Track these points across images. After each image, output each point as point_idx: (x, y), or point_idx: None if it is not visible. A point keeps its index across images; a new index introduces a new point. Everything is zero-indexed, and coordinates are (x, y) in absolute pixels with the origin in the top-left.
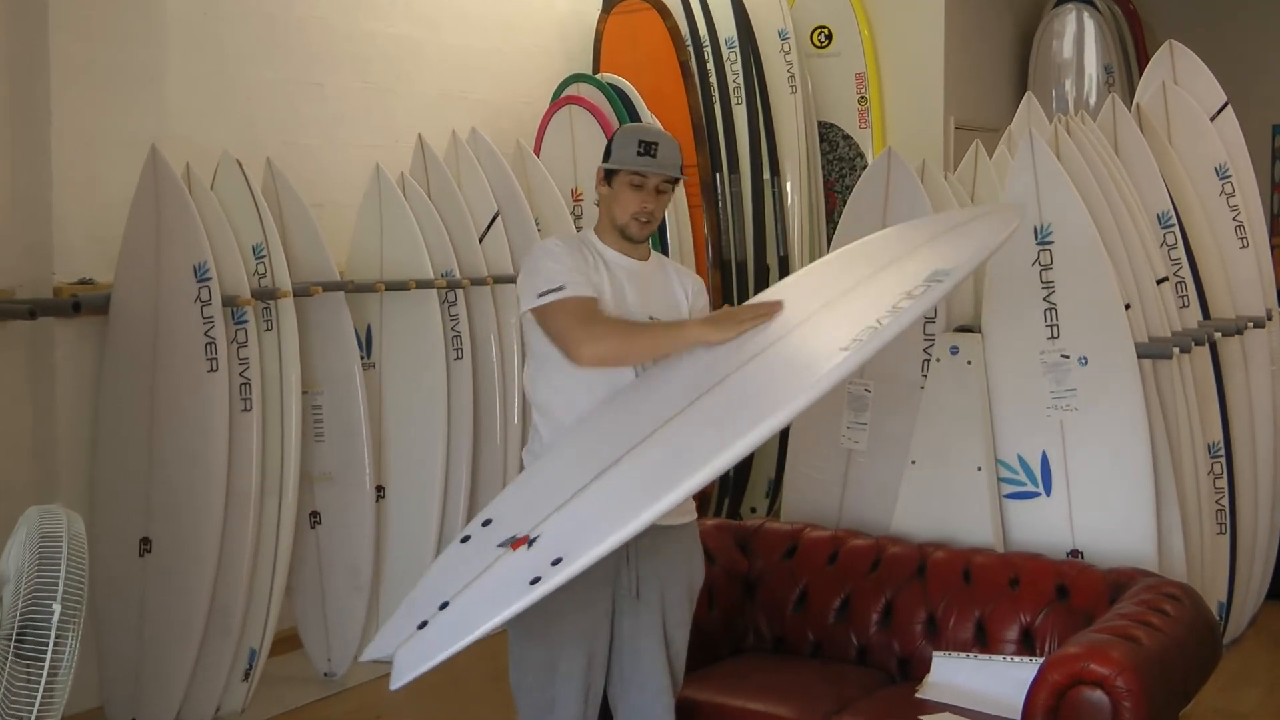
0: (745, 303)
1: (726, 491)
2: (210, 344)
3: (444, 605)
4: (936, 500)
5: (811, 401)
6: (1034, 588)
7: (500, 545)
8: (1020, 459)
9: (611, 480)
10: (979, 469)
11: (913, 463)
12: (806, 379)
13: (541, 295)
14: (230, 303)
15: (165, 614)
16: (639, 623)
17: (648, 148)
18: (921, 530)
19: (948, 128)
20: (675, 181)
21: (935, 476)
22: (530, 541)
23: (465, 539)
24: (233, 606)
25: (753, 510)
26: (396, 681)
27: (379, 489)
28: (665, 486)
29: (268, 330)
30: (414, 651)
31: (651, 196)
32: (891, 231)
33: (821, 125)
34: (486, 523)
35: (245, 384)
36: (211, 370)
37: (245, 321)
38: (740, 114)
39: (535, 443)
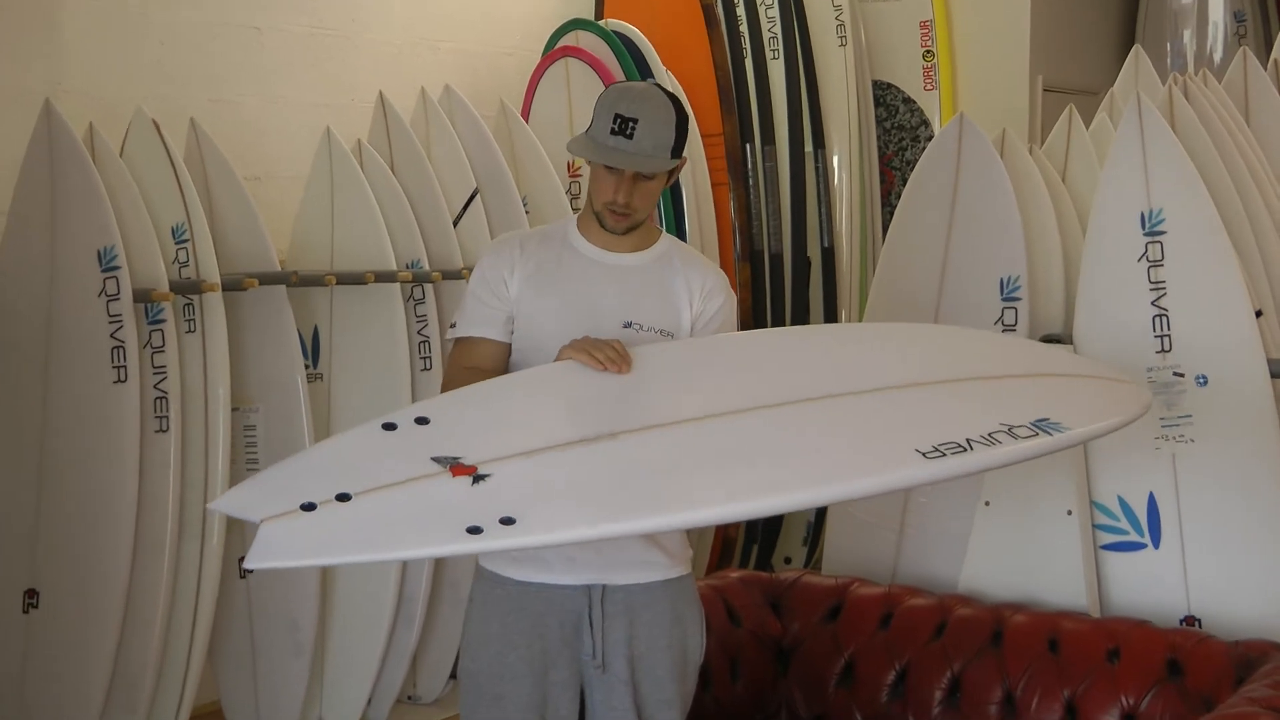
0: (592, 340)
1: (755, 536)
2: (118, 348)
3: (344, 497)
4: (1016, 551)
5: (865, 494)
6: (1139, 662)
7: (436, 460)
8: (1121, 501)
9: (601, 456)
10: (1069, 513)
11: (986, 504)
12: (870, 463)
13: (451, 326)
14: (143, 297)
15: (54, 685)
16: (610, 699)
17: (624, 125)
18: (997, 588)
19: (1034, 90)
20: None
21: (1014, 522)
22: (477, 476)
23: (389, 426)
24: (140, 676)
25: (787, 561)
26: (256, 561)
27: None
28: (667, 502)
29: (190, 332)
30: (289, 536)
31: (627, 186)
32: (982, 336)
33: (877, 86)
34: (421, 420)
35: (161, 398)
36: (119, 381)
37: (162, 321)
38: (777, 71)
39: None
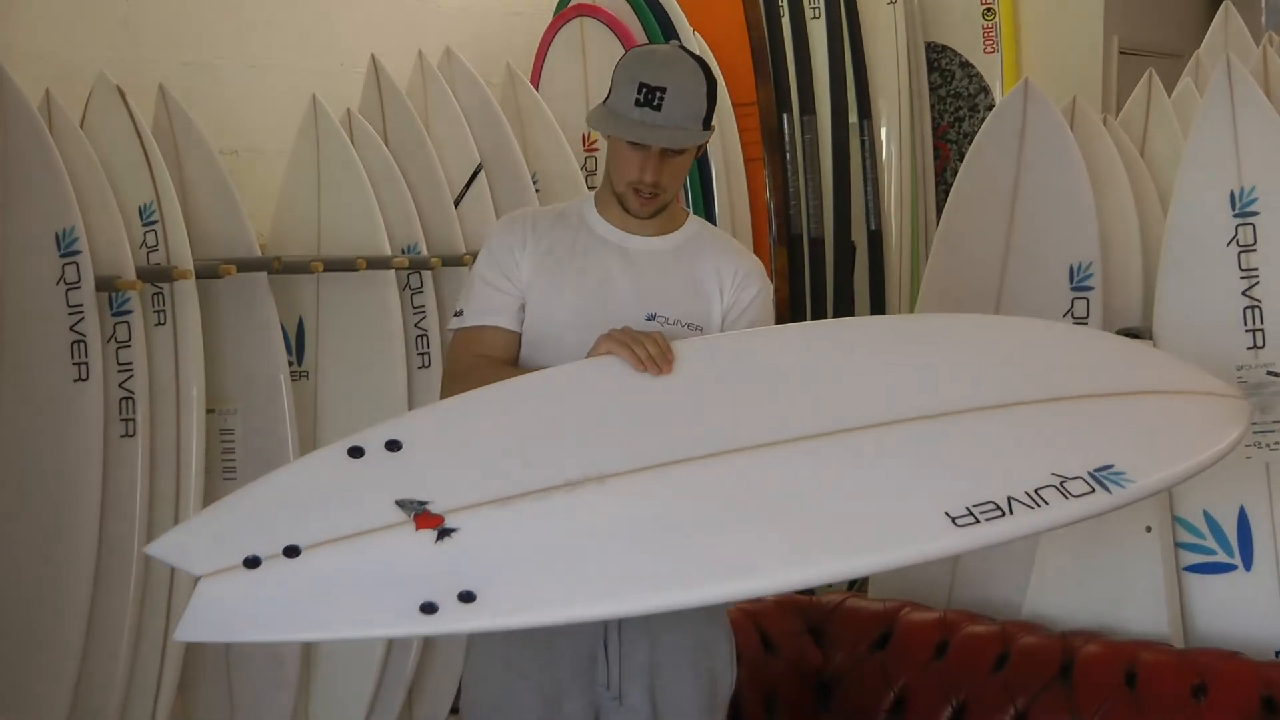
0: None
1: None
2: (78, 343)
3: (292, 551)
4: (1088, 572)
5: (881, 569)
6: (1228, 700)
7: (401, 505)
8: (1208, 517)
9: (590, 505)
10: (1148, 530)
11: None
12: (885, 531)
13: (455, 314)
14: (107, 286)
15: (6, 718)
16: None
17: (650, 95)
18: (1066, 614)
19: (1109, 52)
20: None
21: (1086, 540)
22: (442, 531)
23: (356, 451)
24: (103, 711)
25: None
26: (188, 632)
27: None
28: (675, 577)
29: (159, 324)
30: (227, 601)
31: (654, 162)
32: (1052, 332)
33: (931, 48)
34: (393, 445)
35: (127, 399)
36: (80, 379)
37: (128, 312)
38: (818, 31)
39: None
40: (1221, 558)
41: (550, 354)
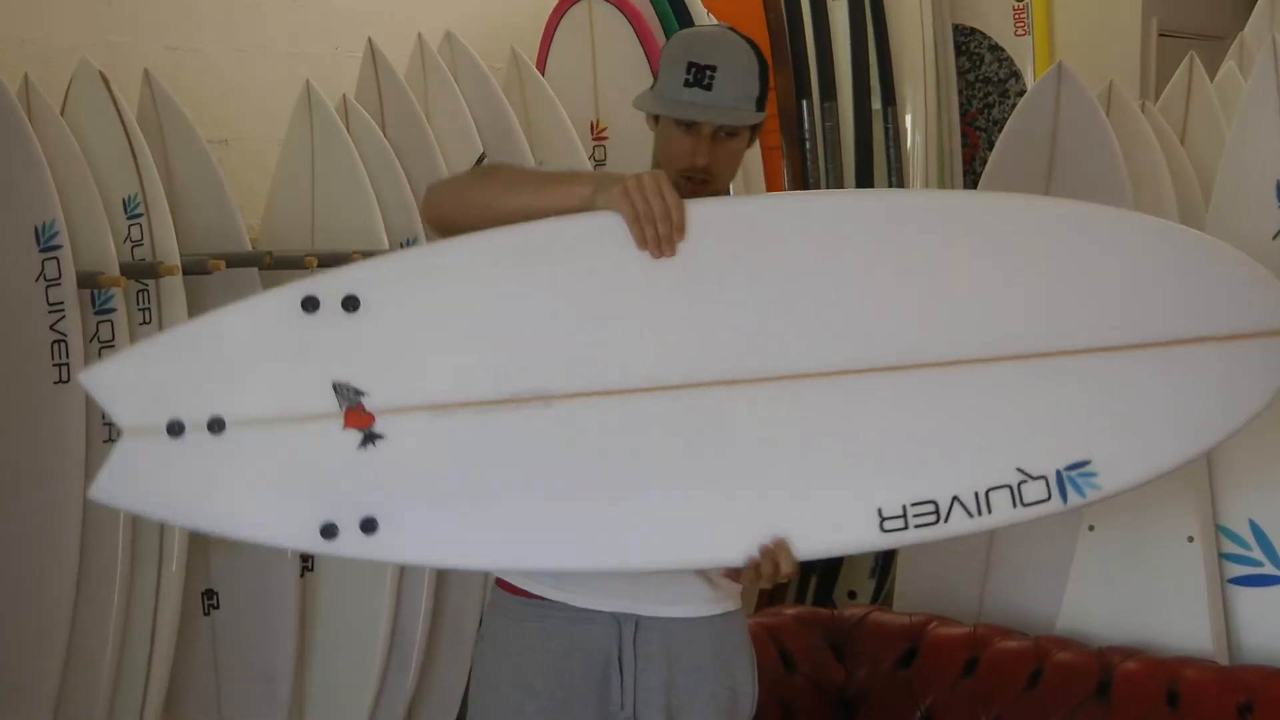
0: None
1: (813, 567)
2: (59, 342)
3: (217, 424)
4: (1126, 585)
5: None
6: (1277, 718)
7: (336, 390)
8: (1254, 526)
9: (529, 431)
10: (1190, 539)
11: (1090, 529)
12: (808, 517)
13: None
14: (90, 282)
15: None
16: None
17: (699, 75)
18: (1103, 629)
19: (1147, 34)
20: (753, 126)
21: (1124, 549)
22: (368, 435)
23: (310, 303)
24: None
25: (852, 595)
26: (102, 491)
27: (304, 558)
28: (599, 538)
29: (145, 323)
30: (143, 467)
31: (706, 145)
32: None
33: (959, 31)
34: (351, 303)
35: None
36: (60, 381)
37: (112, 310)
38: (839, 14)
39: None
40: (1269, 569)
41: None
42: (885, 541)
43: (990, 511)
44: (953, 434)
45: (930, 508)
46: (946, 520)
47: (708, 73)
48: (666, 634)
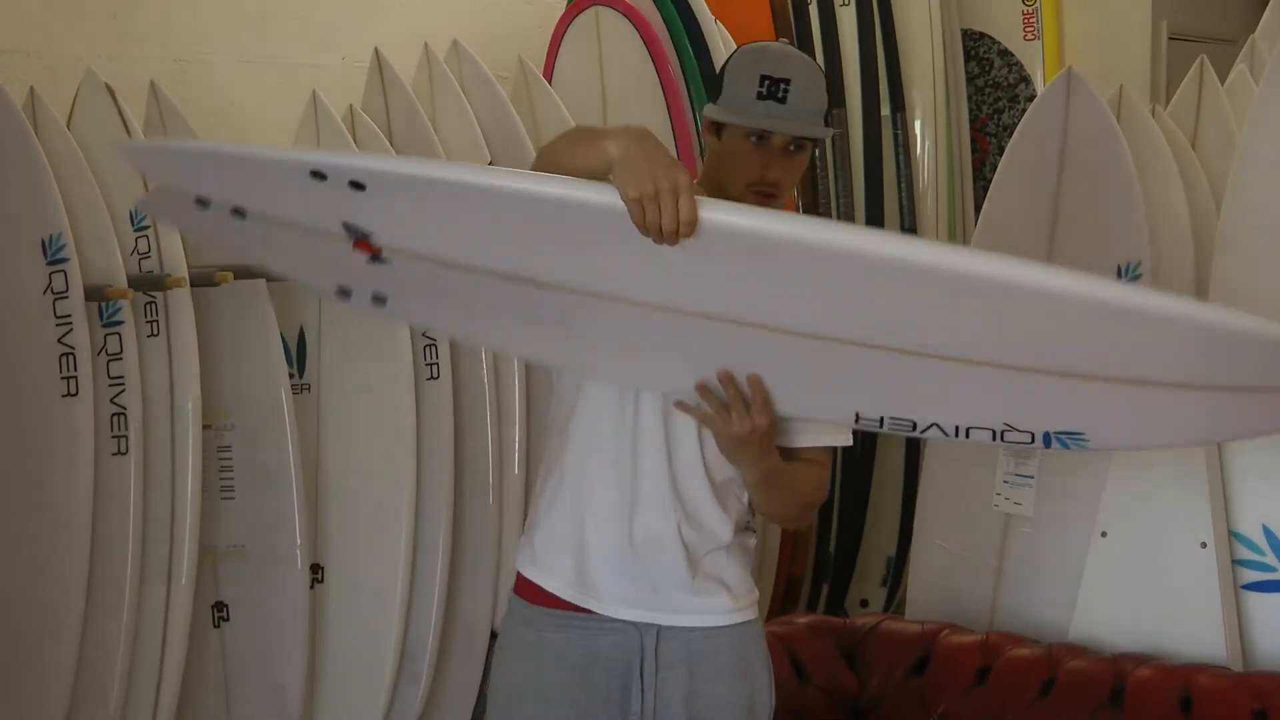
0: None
1: (825, 575)
2: (67, 355)
3: (239, 211)
4: (1139, 592)
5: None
6: None
7: (346, 226)
8: (1267, 531)
9: (518, 296)
10: (1203, 545)
11: (1103, 535)
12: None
13: None
14: (97, 295)
15: None
16: None
17: (774, 87)
18: (1116, 636)
19: (1158, 38)
20: (816, 140)
21: (1137, 556)
22: (375, 257)
23: (319, 175)
24: None
25: (864, 604)
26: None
27: (315, 569)
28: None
29: (153, 335)
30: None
31: (778, 160)
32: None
33: (968, 36)
34: (357, 185)
35: (119, 415)
36: (69, 394)
37: (120, 322)
38: (847, 20)
39: (558, 492)
40: None
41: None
42: (852, 429)
43: (968, 437)
44: (946, 400)
45: (908, 424)
46: (922, 433)
47: (782, 85)
48: (687, 643)
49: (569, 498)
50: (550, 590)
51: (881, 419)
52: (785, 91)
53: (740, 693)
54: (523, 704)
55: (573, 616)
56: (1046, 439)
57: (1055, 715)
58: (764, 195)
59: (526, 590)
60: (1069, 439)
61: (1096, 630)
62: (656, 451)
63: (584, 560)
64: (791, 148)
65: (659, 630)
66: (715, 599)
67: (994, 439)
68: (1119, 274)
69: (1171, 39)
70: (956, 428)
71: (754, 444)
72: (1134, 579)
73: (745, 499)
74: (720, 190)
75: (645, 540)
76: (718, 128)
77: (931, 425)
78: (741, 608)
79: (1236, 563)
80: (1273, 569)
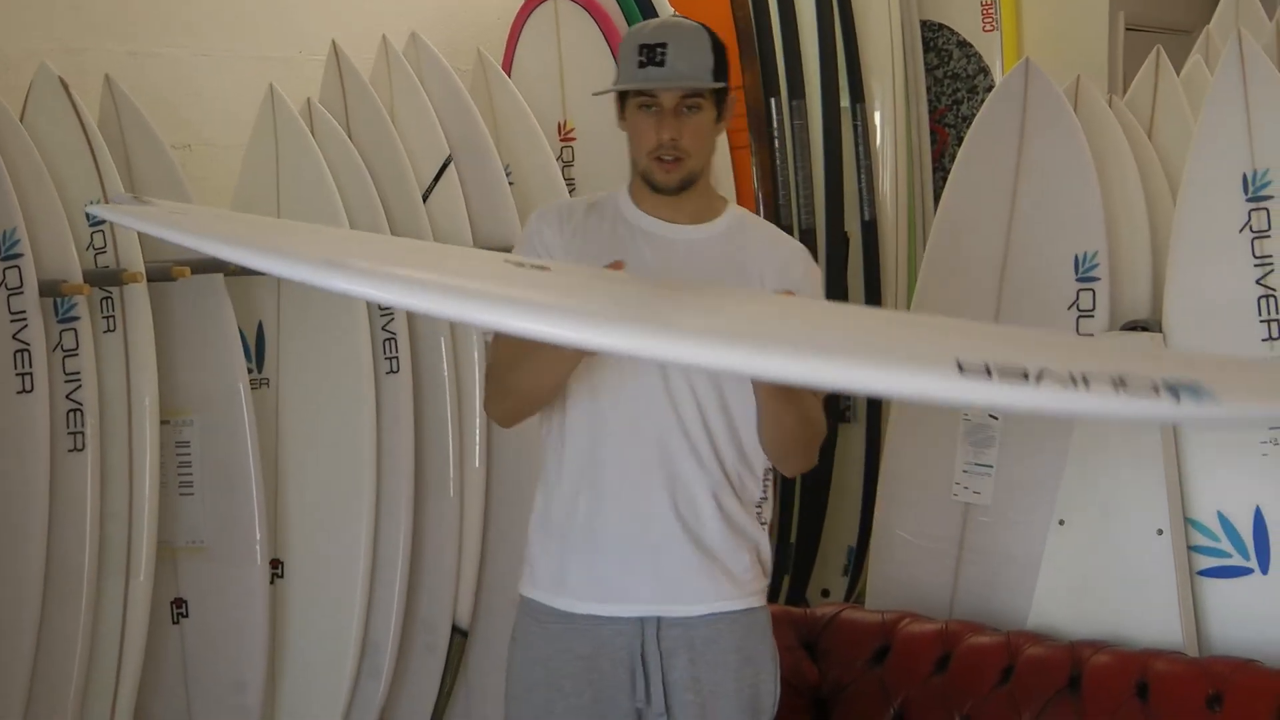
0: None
1: (786, 565)
2: (22, 351)
3: None
4: (1096, 579)
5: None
6: (1246, 710)
7: None
8: (1222, 518)
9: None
10: (1160, 532)
11: (1060, 523)
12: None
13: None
14: (52, 291)
15: None
16: None
17: (651, 53)
18: (1074, 623)
19: (1115, 29)
20: (717, 91)
21: (1095, 544)
22: None
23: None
24: None
25: (825, 593)
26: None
27: (274, 564)
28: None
29: (109, 331)
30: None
31: (671, 120)
32: None
33: (927, 27)
34: None
35: (75, 411)
36: (24, 390)
37: (75, 318)
38: (807, 10)
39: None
40: (1237, 561)
41: (589, 371)
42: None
43: (1088, 386)
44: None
45: (1019, 373)
46: (1038, 382)
47: (659, 50)
48: (688, 631)
49: (561, 507)
50: (554, 607)
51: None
52: (663, 55)
53: (744, 680)
54: (535, 694)
55: (576, 616)
56: (1173, 388)
57: (1014, 702)
58: (667, 161)
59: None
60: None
61: (1055, 617)
62: (667, 442)
63: (579, 566)
64: (685, 109)
65: (660, 620)
66: (717, 587)
67: (1115, 387)
68: (1076, 264)
69: (1128, 30)
70: (1070, 374)
71: None
72: (1092, 566)
73: (751, 487)
74: (634, 168)
75: (652, 539)
76: (621, 110)
77: (1043, 372)
78: (745, 594)
79: (1193, 549)
80: (1228, 555)
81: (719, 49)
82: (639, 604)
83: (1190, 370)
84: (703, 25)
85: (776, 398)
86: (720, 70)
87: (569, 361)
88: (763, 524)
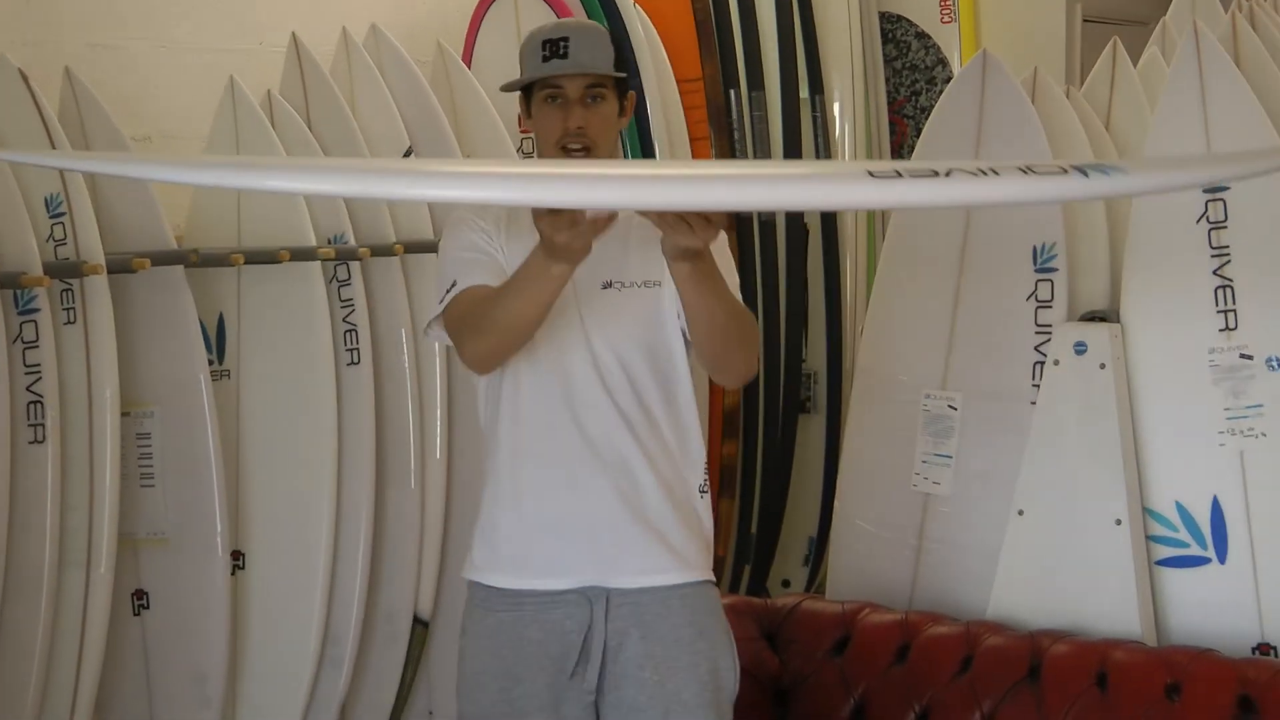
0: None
1: (746, 556)
2: None
3: None
4: (1055, 569)
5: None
6: (1204, 699)
7: None
8: (1180, 508)
9: None
10: (1118, 523)
11: (1020, 513)
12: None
13: (440, 302)
14: (12, 282)
15: None
16: None
17: (554, 46)
18: (1034, 613)
19: (1072, 20)
20: (618, 84)
21: (1053, 534)
22: None
23: None
24: None
25: (785, 584)
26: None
27: (236, 556)
28: None
29: (69, 323)
30: None
31: (578, 109)
32: None
33: (885, 19)
34: None
35: (36, 403)
36: None
37: (35, 310)
38: (765, 3)
39: (490, 482)
40: (1195, 550)
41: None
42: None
43: (997, 175)
44: None
45: (928, 171)
46: (946, 176)
47: (561, 44)
48: (637, 607)
49: (505, 483)
50: (496, 585)
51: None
52: (565, 48)
53: (699, 654)
54: (488, 682)
55: (524, 595)
56: (1081, 169)
57: (974, 692)
58: (575, 150)
59: (479, 578)
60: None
61: (1014, 608)
62: (599, 415)
63: (522, 541)
64: (590, 99)
65: (608, 595)
66: (662, 559)
67: (1024, 171)
68: (1035, 255)
69: (1086, 21)
70: (979, 168)
71: (706, 257)
72: (1050, 557)
73: (693, 463)
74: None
75: (586, 507)
76: (527, 109)
77: (951, 170)
78: (690, 567)
79: (1151, 539)
80: (1186, 545)
81: (619, 44)
82: (583, 574)
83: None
84: (598, 25)
85: (698, 284)
86: (620, 63)
87: (556, 281)
88: (702, 494)
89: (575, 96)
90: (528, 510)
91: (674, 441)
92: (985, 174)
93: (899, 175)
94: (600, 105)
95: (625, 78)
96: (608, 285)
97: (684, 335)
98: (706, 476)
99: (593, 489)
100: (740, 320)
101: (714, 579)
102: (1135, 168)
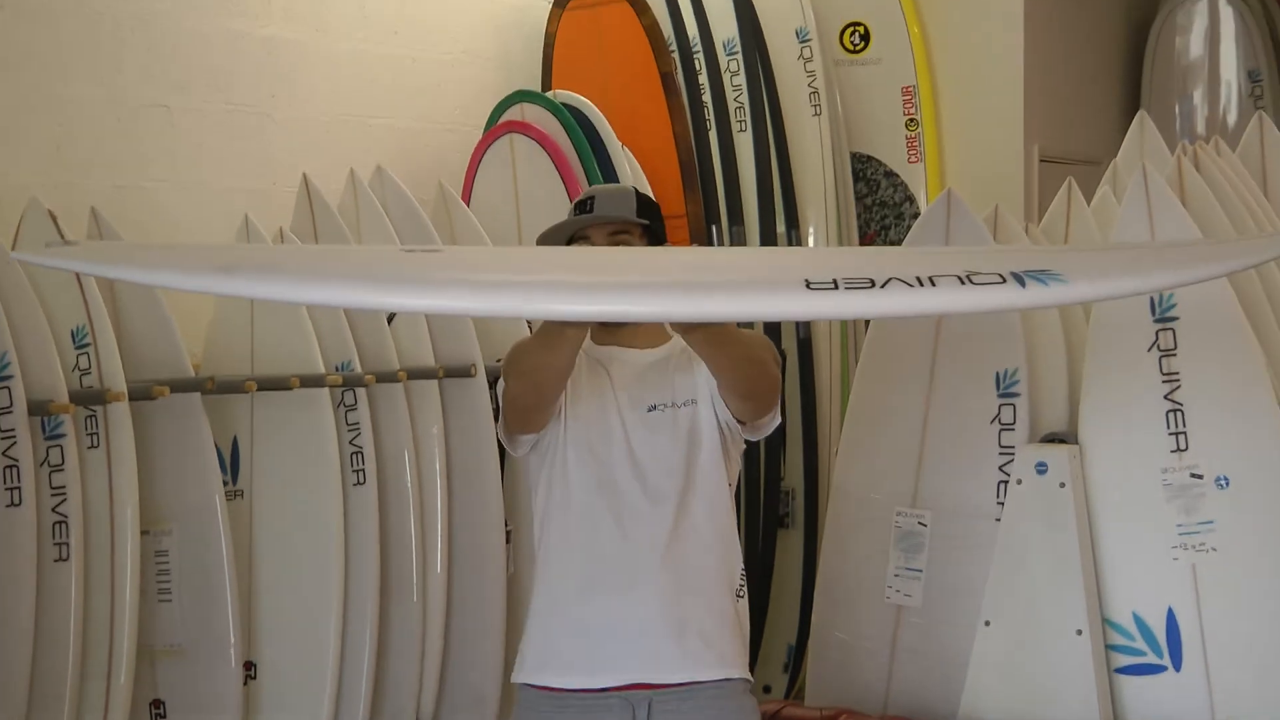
0: None
1: None
2: (11, 467)
3: None
4: (1020, 676)
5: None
6: None
7: None
8: (1137, 619)
9: None
10: (1079, 633)
11: (986, 624)
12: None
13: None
14: (40, 410)
15: None
16: None
17: (582, 205)
18: (1001, 716)
19: (1030, 161)
20: (646, 231)
21: (1018, 643)
22: None
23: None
24: None
25: (767, 689)
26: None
27: (248, 666)
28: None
29: (93, 447)
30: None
31: None
32: None
33: (856, 159)
34: None
35: (61, 522)
36: (12, 504)
37: (61, 435)
38: (745, 144)
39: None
40: (1151, 659)
41: (568, 473)
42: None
43: (934, 286)
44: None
45: (865, 282)
46: (883, 287)
47: (588, 202)
48: (678, 700)
49: (549, 589)
50: (541, 684)
51: (835, 280)
52: (591, 204)
53: None
54: None
55: (570, 697)
56: (1019, 277)
57: None
58: None
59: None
60: (1044, 275)
61: (983, 712)
62: (644, 525)
63: (568, 645)
64: (617, 239)
65: (650, 701)
66: (703, 656)
67: (961, 281)
68: (998, 380)
69: (1043, 161)
70: (918, 277)
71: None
72: (1016, 664)
73: (730, 563)
74: None
75: (628, 609)
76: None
77: (890, 280)
78: (726, 665)
79: (1110, 648)
80: (1143, 654)
81: (643, 199)
82: (625, 672)
83: (1037, 260)
84: (627, 187)
85: (708, 344)
86: (644, 211)
87: (570, 343)
88: (740, 598)
89: (601, 242)
90: (573, 615)
91: (716, 547)
92: (922, 284)
93: (835, 286)
94: (626, 242)
95: (648, 224)
96: (652, 409)
97: (719, 421)
98: (744, 581)
99: (641, 598)
100: (756, 348)
101: (750, 678)
102: (1075, 276)
